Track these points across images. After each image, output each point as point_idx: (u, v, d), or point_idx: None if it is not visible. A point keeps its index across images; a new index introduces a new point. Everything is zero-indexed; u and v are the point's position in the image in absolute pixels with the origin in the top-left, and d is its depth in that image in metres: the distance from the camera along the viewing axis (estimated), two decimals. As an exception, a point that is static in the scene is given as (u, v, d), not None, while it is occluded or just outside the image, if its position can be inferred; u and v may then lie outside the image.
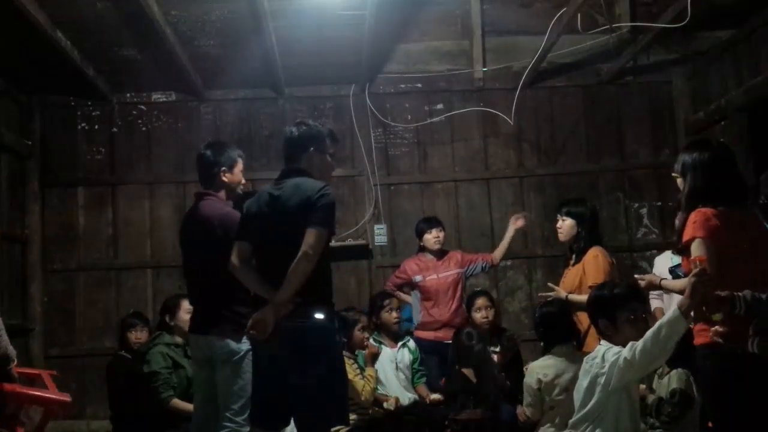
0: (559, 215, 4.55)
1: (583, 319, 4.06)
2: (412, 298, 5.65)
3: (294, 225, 3.12)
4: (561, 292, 4.31)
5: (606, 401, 3.03)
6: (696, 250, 2.82)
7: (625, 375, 2.92)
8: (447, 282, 5.41)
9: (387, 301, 5.31)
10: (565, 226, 4.45)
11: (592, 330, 4.15)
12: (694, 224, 2.85)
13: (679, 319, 2.67)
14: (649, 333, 2.79)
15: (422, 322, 5.46)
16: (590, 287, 3.92)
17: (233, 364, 3.52)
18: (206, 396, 3.69)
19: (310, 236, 3.08)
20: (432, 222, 5.57)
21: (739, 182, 3.07)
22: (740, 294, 2.62)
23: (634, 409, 3.16)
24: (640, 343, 2.81)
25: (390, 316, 5.24)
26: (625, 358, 2.87)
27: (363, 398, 4.50)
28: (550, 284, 4.48)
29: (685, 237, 2.87)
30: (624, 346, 2.98)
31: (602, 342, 3.17)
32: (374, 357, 4.79)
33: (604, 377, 3.00)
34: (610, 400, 3.03)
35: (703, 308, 2.68)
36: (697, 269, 2.62)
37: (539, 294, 4.53)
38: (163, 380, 4.50)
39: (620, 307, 3.14)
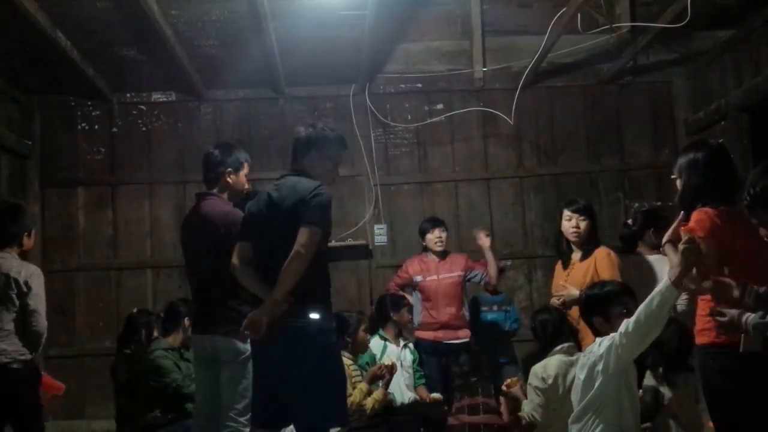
0: (573, 215, 4.40)
1: None
2: (413, 299, 5.64)
3: (290, 225, 3.11)
4: (573, 290, 4.23)
5: (606, 388, 3.06)
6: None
7: (623, 352, 2.98)
8: (447, 283, 5.41)
9: (406, 301, 5.32)
10: (584, 226, 4.39)
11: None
12: (695, 223, 2.84)
13: (670, 288, 2.74)
14: (641, 305, 2.84)
15: (422, 322, 5.47)
16: None
17: (238, 364, 3.52)
18: (208, 396, 3.68)
19: (303, 235, 3.07)
20: (435, 222, 5.56)
21: (736, 181, 3.07)
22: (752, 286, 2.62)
23: (635, 401, 3.18)
24: (633, 316, 2.89)
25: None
26: (620, 333, 2.96)
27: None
28: (562, 283, 4.39)
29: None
30: None
31: (597, 339, 3.20)
32: (376, 379, 4.55)
33: (602, 363, 3.05)
34: (609, 387, 3.06)
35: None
36: (686, 238, 2.65)
37: (554, 295, 4.45)
38: (180, 379, 4.56)
39: (612, 303, 3.21)
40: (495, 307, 5.71)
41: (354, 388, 4.41)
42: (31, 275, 3.92)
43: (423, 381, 5.26)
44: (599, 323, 3.23)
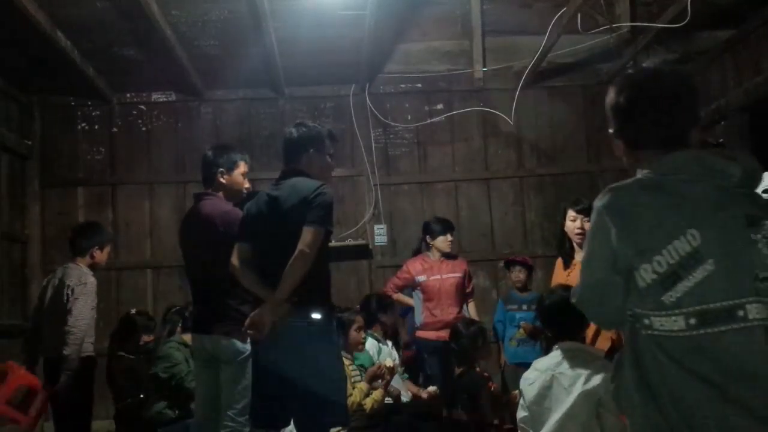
0: (578, 216, 4.34)
1: None
2: (414, 300, 5.64)
3: (292, 225, 3.11)
4: None
5: None
6: None
7: None
8: (450, 283, 5.41)
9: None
10: (588, 227, 4.34)
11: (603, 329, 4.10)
12: None
13: None
14: None
15: (425, 322, 5.46)
16: None
17: (238, 364, 3.52)
18: (207, 395, 3.68)
19: (307, 235, 3.07)
20: (447, 224, 5.52)
21: None
22: None
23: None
24: None
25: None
26: None
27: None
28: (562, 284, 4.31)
29: None
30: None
31: (568, 344, 3.03)
32: (375, 378, 4.53)
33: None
34: None
35: None
36: None
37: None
38: (186, 372, 4.62)
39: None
40: (525, 306, 5.66)
41: (354, 388, 4.41)
42: (79, 283, 4.42)
43: (407, 376, 5.27)
44: (574, 328, 3.02)
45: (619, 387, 1.80)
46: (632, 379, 1.72)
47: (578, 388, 2.90)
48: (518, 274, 5.75)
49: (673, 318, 1.65)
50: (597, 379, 2.87)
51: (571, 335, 3.04)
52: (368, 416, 4.46)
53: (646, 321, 1.69)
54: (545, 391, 3.00)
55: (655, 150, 1.83)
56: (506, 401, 4.34)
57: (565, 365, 3.00)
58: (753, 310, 1.63)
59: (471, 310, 5.54)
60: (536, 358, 4.59)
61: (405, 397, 4.93)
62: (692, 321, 1.64)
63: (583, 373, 2.92)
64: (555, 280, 4.53)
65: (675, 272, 1.65)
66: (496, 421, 4.43)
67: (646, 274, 1.68)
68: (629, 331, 1.76)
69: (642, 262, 1.68)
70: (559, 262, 4.56)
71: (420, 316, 5.52)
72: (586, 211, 4.33)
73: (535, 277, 6.42)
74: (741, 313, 1.63)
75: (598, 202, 1.80)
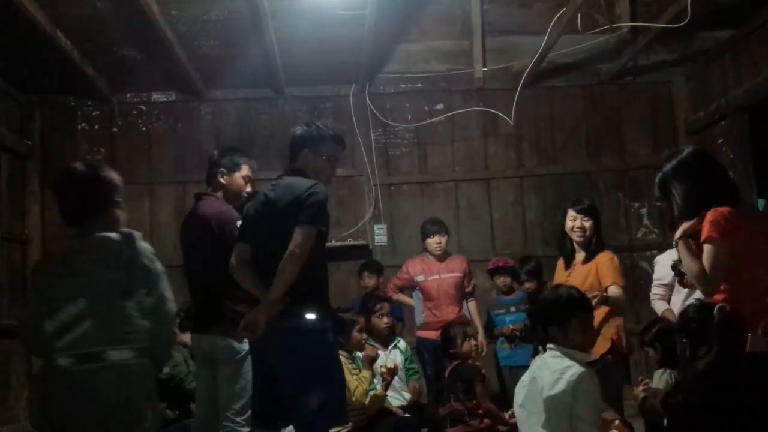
0: (578, 216, 4.36)
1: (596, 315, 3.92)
2: (414, 300, 5.63)
3: (286, 224, 3.09)
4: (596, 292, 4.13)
5: None
6: (707, 252, 2.79)
7: None
8: (449, 283, 5.40)
9: (378, 306, 5.16)
10: (589, 226, 4.36)
11: (604, 330, 4.11)
12: (709, 224, 2.80)
13: None
14: None
15: (424, 322, 5.45)
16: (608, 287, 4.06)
17: (235, 364, 3.53)
18: (207, 395, 3.69)
19: (298, 235, 3.05)
20: (436, 228, 5.52)
21: (730, 179, 3.06)
22: None
23: None
24: None
25: (380, 321, 5.07)
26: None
27: (354, 399, 4.34)
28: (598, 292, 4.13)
29: (702, 237, 2.81)
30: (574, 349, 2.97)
31: (550, 346, 3.05)
32: (371, 360, 4.61)
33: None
34: None
35: None
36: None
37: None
38: (185, 373, 4.64)
39: (573, 313, 3.03)
40: (513, 308, 5.57)
41: (354, 387, 4.43)
42: None
43: (417, 377, 5.22)
44: (554, 331, 3.03)
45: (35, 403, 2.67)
46: (44, 394, 2.54)
47: (545, 393, 2.91)
48: (503, 279, 5.69)
49: (64, 357, 2.49)
50: (561, 385, 2.87)
51: (563, 335, 3.04)
52: (368, 416, 4.47)
53: (51, 356, 2.50)
54: (528, 394, 3.02)
55: (71, 228, 2.78)
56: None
57: (545, 368, 3.00)
58: (113, 354, 2.51)
59: (471, 309, 5.52)
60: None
61: (400, 400, 4.91)
62: (73, 360, 2.48)
63: (554, 376, 2.92)
64: (556, 280, 4.54)
65: (66, 327, 2.50)
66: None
67: (49, 326, 2.51)
68: (44, 362, 2.57)
69: (49, 317, 2.51)
70: (561, 262, 4.58)
71: (420, 316, 5.52)
72: (585, 211, 4.37)
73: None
74: (107, 355, 2.50)
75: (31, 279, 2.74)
